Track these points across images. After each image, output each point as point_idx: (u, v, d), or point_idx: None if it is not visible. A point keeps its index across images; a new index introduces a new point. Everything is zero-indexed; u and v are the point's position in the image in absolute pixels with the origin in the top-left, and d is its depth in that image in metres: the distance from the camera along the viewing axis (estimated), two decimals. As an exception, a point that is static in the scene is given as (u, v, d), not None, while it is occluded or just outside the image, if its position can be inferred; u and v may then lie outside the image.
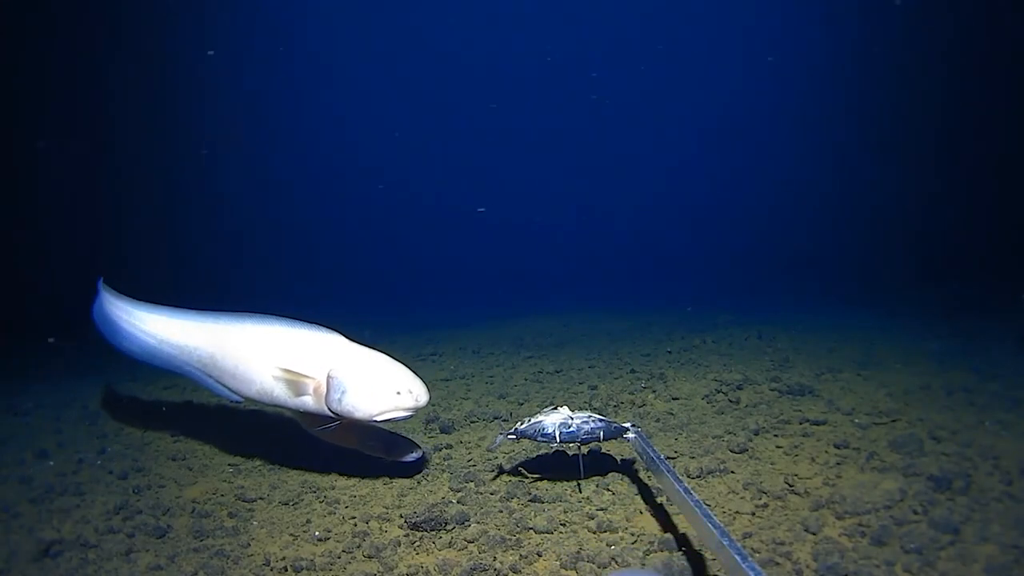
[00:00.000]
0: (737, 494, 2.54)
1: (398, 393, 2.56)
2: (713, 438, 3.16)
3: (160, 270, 15.35)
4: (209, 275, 15.89)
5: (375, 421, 2.58)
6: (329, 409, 2.63)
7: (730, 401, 3.82)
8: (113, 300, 3.48)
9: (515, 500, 2.66)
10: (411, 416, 2.64)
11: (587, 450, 2.95)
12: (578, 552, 2.20)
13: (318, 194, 24.34)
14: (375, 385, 2.55)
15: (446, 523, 2.45)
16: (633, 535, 2.30)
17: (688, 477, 2.74)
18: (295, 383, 2.67)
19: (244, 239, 19.61)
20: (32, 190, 13.57)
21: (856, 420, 3.22)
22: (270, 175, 22.81)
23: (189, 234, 17.85)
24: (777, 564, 2.04)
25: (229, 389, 2.98)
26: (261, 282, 16.57)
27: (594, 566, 2.12)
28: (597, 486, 2.72)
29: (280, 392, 2.75)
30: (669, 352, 5.56)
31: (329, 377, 2.61)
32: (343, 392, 2.56)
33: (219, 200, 19.72)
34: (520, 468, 2.93)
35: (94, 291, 3.60)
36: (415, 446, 3.02)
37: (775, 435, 3.12)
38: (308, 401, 2.69)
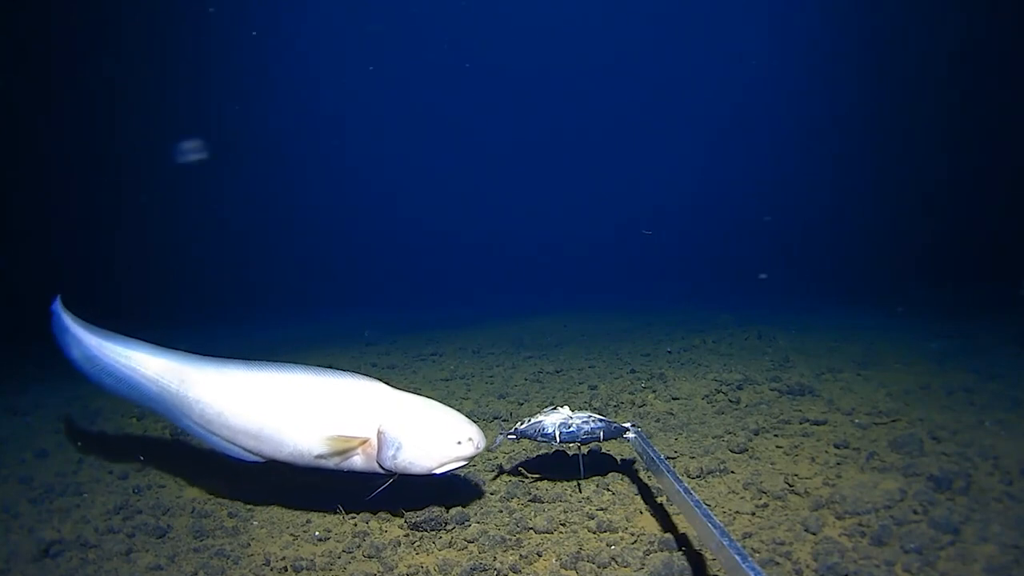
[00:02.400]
0: (737, 494, 2.54)
1: (458, 443, 2.37)
2: (713, 438, 3.16)
3: (160, 270, 15.38)
4: (209, 276, 15.90)
5: (434, 474, 2.39)
6: (382, 467, 2.40)
7: (730, 401, 3.82)
8: (85, 333, 2.92)
9: (515, 500, 2.66)
10: (466, 464, 2.47)
11: (587, 450, 2.95)
12: (578, 552, 2.20)
13: (318, 195, 24.36)
14: (433, 437, 2.35)
15: (446, 523, 2.45)
16: (633, 535, 2.30)
17: (688, 477, 2.74)
18: (344, 447, 2.39)
19: (244, 241, 19.63)
20: (35, 192, 13.59)
21: (856, 420, 3.22)
22: (271, 176, 22.83)
23: (190, 233, 17.86)
24: (777, 564, 2.04)
25: (245, 450, 2.58)
26: (261, 283, 16.58)
27: (594, 566, 2.12)
28: (597, 486, 2.72)
29: (321, 455, 2.42)
30: (669, 352, 5.56)
31: (380, 433, 2.36)
32: (398, 448, 2.34)
33: (219, 201, 19.74)
34: (520, 468, 2.93)
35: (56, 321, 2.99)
36: None
37: (775, 435, 3.12)
38: (357, 461, 2.43)
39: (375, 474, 2.44)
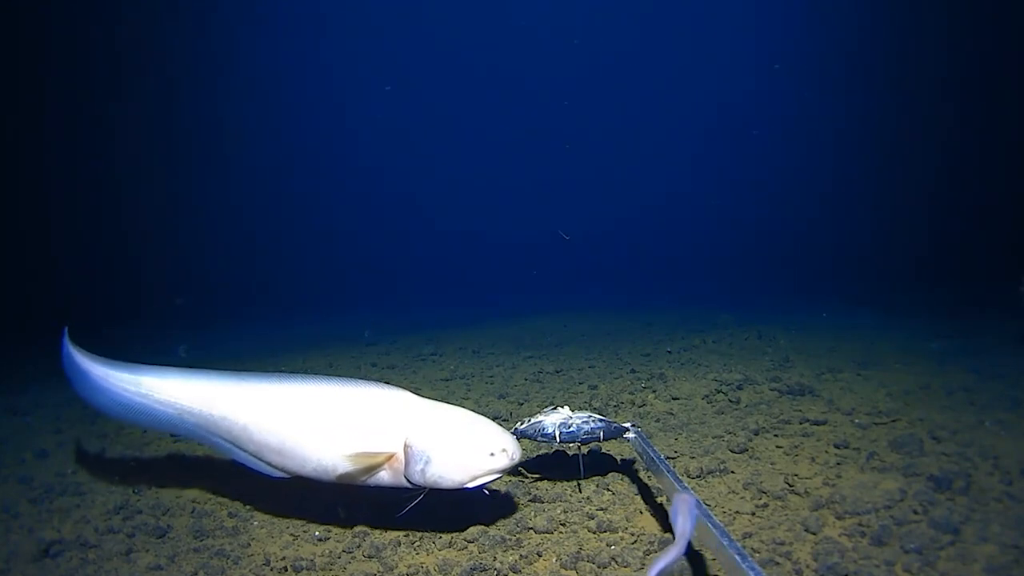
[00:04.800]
0: (737, 494, 2.54)
1: (491, 455, 2.20)
2: (713, 438, 3.16)
3: (158, 272, 15.37)
4: (208, 277, 15.90)
5: (465, 488, 2.24)
6: (409, 482, 2.26)
7: (730, 401, 3.82)
8: (98, 366, 2.82)
9: (515, 500, 2.66)
10: (500, 477, 2.32)
11: (587, 450, 2.95)
12: (578, 552, 2.20)
13: (318, 196, 24.37)
14: (465, 450, 2.20)
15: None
16: (633, 535, 2.30)
17: (688, 477, 2.74)
18: (369, 463, 2.26)
19: (244, 242, 19.63)
20: (36, 191, 13.59)
21: (856, 420, 3.22)
22: (270, 175, 22.84)
23: (188, 235, 17.86)
24: (777, 564, 2.04)
25: (271, 465, 2.49)
26: (262, 285, 16.58)
27: (594, 566, 2.12)
28: (597, 486, 2.72)
29: (346, 472, 2.29)
30: (669, 352, 5.56)
31: (407, 447, 2.22)
32: (426, 462, 2.19)
33: (218, 203, 19.75)
34: (520, 468, 2.93)
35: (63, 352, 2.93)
36: None
37: (775, 435, 3.12)
38: (383, 476, 2.30)
39: (403, 489, 2.31)
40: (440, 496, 2.62)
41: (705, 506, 1.78)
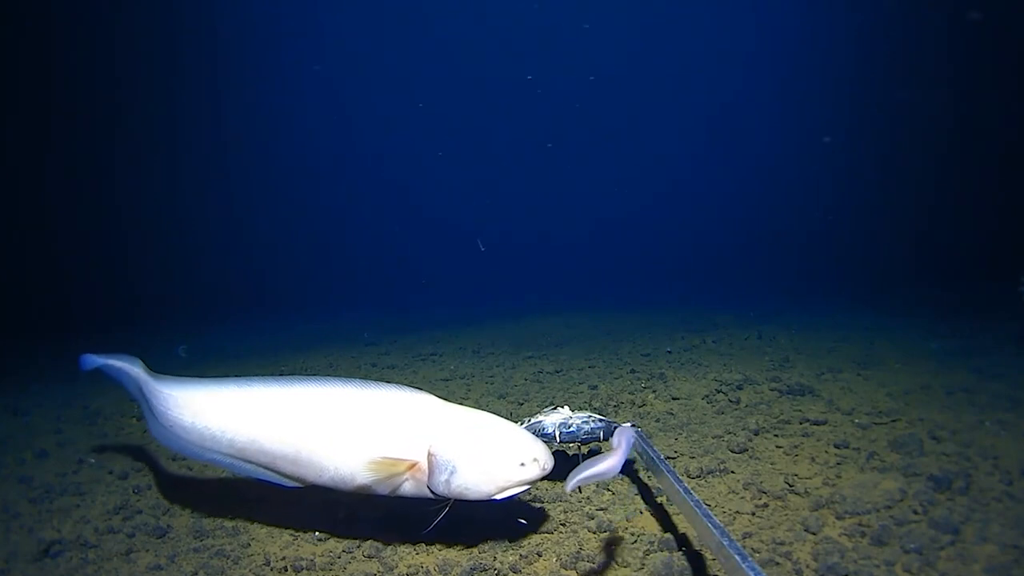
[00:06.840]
0: (737, 494, 2.54)
1: (522, 464, 2.07)
2: (713, 438, 3.16)
3: (157, 273, 15.38)
4: (206, 279, 15.91)
5: (493, 500, 2.11)
6: (433, 493, 2.12)
7: (730, 401, 3.82)
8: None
9: (515, 499, 2.66)
10: (530, 488, 2.19)
11: (587, 450, 2.95)
12: (578, 552, 2.20)
13: (319, 195, 24.37)
14: (493, 459, 2.05)
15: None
16: (633, 535, 2.30)
17: (688, 477, 2.74)
18: (390, 473, 2.12)
19: (243, 243, 19.64)
20: (37, 192, 13.60)
21: (856, 420, 3.22)
22: (271, 175, 22.84)
23: (192, 234, 17.87)
24: (777, 564, 2.04)
25: (284, 476, 2.33)
26: (260, 286, 16.59)
27: (594, 566, 2.12)
28: (597, 486, 2.73)
29: (365, 482, 2.16)
30: (669, 352, 5.56)
31: (431, 455, 2.09)
32: (451, 472, 2.06)
33: (217, 204, 19.75)
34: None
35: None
36: None
37: (775, 435, 3.12)
38: (405, 487, 2.17)
39: (427, 500, 2.19)
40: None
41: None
